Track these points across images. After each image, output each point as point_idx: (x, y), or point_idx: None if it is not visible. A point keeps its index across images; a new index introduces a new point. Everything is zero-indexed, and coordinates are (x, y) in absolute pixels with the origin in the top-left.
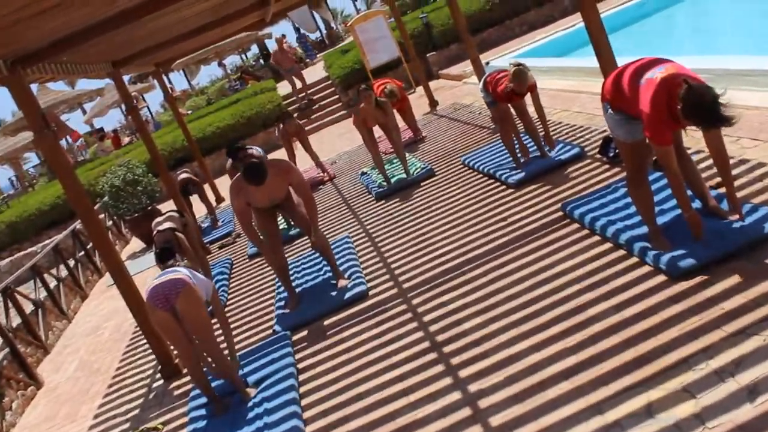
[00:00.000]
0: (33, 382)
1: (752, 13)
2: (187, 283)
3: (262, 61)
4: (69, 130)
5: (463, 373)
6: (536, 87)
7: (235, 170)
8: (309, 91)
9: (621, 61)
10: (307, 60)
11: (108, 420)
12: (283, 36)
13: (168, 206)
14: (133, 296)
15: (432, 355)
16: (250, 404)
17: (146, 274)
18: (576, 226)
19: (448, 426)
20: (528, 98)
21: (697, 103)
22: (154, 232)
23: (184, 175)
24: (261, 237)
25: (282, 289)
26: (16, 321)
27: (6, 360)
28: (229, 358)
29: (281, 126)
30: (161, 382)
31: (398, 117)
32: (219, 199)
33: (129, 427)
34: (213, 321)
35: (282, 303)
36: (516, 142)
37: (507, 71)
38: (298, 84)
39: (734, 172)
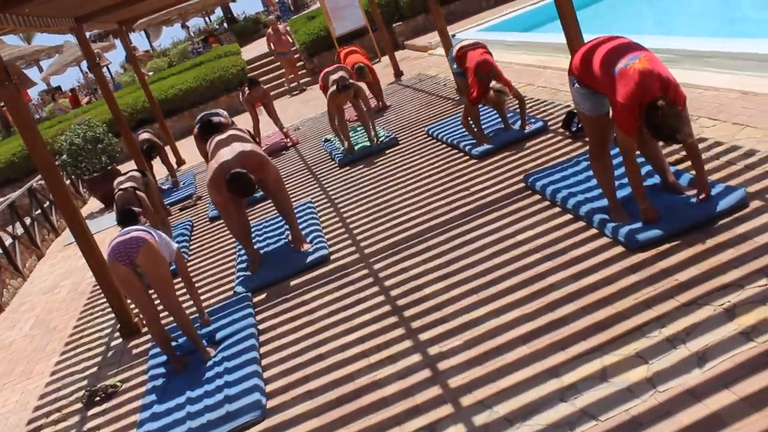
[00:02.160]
0: None
1: None
2: (148, 239)
3: (226, 24)
4: (31, 83)
5: (423, 336)
6: (511, 85)
7: (202, 138)
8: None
9: (587, 38)
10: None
11: (65, 377)
12: (277, 17)
13: (129, 167)
14: (94, 254)
15: (392, 319)
16: (210, 363)
17: (104, 234)
18: (537, 197)
19: (407, 387)
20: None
21: (660, 126)
22: (116, 192)
23: (145, 136)
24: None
25: (243, 251)
26: None
27: None
28: (198, 314)
29: (246, 91)
30: (120, 340)
31: (365, 86)
32: (180, 162)
33: (87, 384)
34: (177, 281)
35: (243, 265)
36: (474, 125)
37: (478, 44)
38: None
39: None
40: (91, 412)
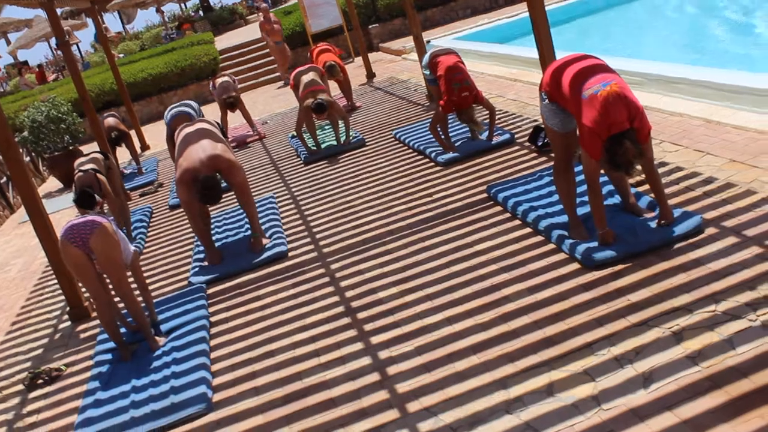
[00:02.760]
0: None
1: (690, 23)
2: (103, 224)
3: (201, 12)
4: None
5: (375, 339)
6: (485, 100)
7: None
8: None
9: (560, 55)
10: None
11: (9, 357)
12: (265, 6)
13: (91, 148)
14: (48, 234)
15: (345, 320)
16: (158, 353)
17: (61, 214)
18: (499, 208)
19: (356, 389)
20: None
21: (619, 161)
22: (76, 172)
23: (110, 120)
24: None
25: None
26: None
27: None
28: (147, 313)
29: (217, 82)
30: (68, 323)
31: (334, 85)
32: (144, 147)
33: (30, 366)
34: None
35: (200, 256)
36: (442, 133)
37: (451, 51)
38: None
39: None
40: (32, 395)
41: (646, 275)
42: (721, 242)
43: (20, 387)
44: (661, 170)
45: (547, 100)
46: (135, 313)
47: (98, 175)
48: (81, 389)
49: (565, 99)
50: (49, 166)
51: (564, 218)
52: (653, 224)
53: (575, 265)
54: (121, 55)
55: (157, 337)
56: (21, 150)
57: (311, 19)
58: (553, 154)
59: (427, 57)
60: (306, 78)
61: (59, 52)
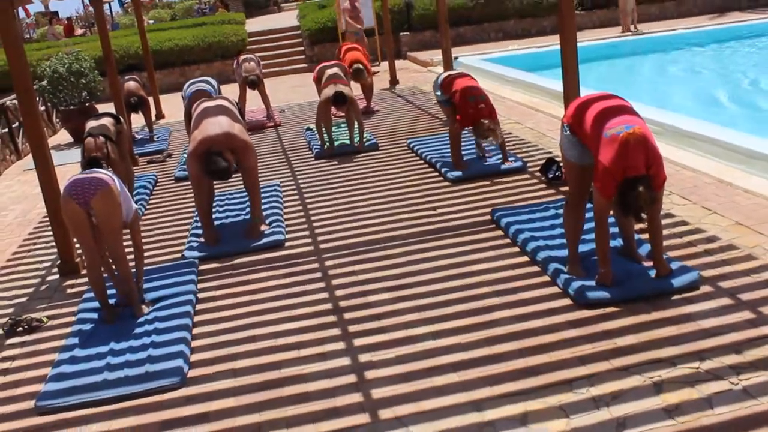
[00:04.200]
0: None
1: (716, 80)
2: (109, 185)
3: None
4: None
5: (358, 341)
6: (497, 122)
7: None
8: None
9: (583, 92)
10: None
11: None
12: None
13: (107, 108)
14: (50, 184)
15: (331, 318)
16: (141, 320)
17: (67, 168)
18: (500, 233)
19: (331, 387)
20: None
21: (629, 205)
22: (86, 134)
23: (131, 84)
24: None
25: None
26: None
27: None
28: (135, 277)
29: (240, 59)
30: (57, 276)
31: (356, 86)
32: (159, 115)
33: (12, 312)
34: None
35: (198, 231)
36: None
37: (462, 73)
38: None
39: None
40: (9, 341)
41: (635, 322)
42: (714, 301)
43: None
44: (666, 221)
45: (568, 132)
46: (125, 277)
47: (107, 142)
48: (58, 344)
49: (585, 134)
50: (63, 119)
51: (563, 252)
52: (651, 273)
53: (567, 301)
54: (151, 22)
55: (142, 305)
56: (37, 99)
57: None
58: (561, 188)
59: (439, 78)
60: (330, 71)
61: (91, 8)
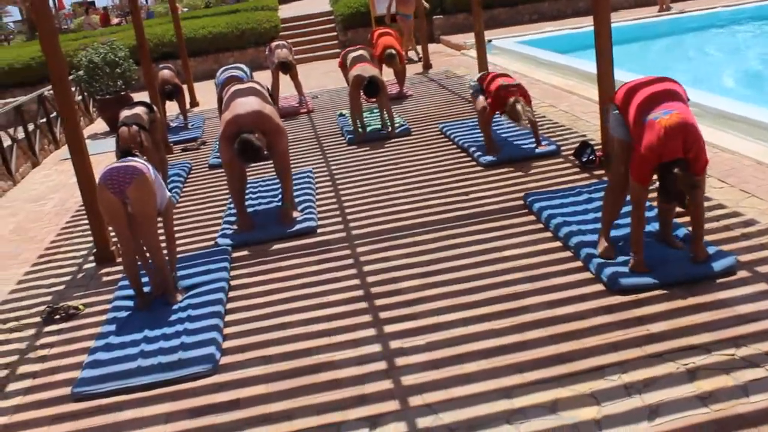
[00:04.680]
0: None
1: (755, 58)
2: (144, 174)
3: None
4: None
5: (388, 328)
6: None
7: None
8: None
9: (619, 73)
10: None
11: (31, 289)
12: None
13: (142, 97)
14: (86, 173)
15: (362, 305)
16: (174, 307)
17: (102, 157)
18: (532, 218)
19: (361, 374)
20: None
21: (668, 189)
22: (120, 124)
23: (166, 72)
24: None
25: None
26: None
27: None
28: (168, 265)
29: (272, 46)
30: (93, 264)
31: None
32: (194, 103)
33: (50, 300)
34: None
35: (231, 218)
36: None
37: (506, 76)
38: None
39: None
40: (47, 329)
41: (669, 308)
42: (751, 287)
43: (37, 319)
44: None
45: (616, 111)
46: (159, 266)
47: (141, 131)
48: (94, 331)
49: (629, 117)
50: (99, 108)
51: (595, 237)
52: (686, 258)
53: (599, 287)
54: (185, 9)
55: (176, 293)
56: (74, 88)
57: (378, 2)
58: (595, 172)
59: (480, 76)
60: (354, 54)
61: None
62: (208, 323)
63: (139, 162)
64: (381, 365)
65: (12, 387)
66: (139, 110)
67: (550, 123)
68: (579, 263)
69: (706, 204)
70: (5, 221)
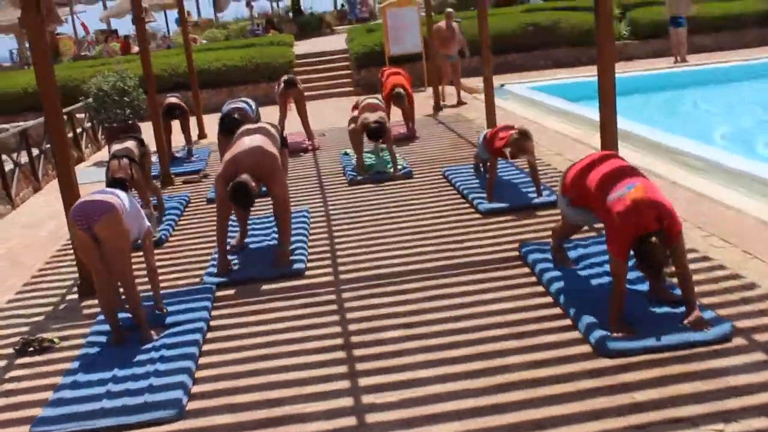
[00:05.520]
0: None
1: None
2: (114, 209)
3: (291, 14)
4: (59, 20)
5: (363, 381)
6: (534, 153)
7: (224, 137)
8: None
9: (629, 124)
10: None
11: (11, 318)
12: (451, 11)
13: (149, 127)
14: (73, 204)
15: (340, 354)
16: (149, 346)
17: (92, 187)
18: (527, 270)
19: (329, 429)
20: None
21: (648, 259)
22: (111, 157)
23: (172, 99)
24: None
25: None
26: None
27: None
28: (154, 302)
29: (282, 85)
30: (76, 296)
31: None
32: (201, 135)
33: (27, 331)
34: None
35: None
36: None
37: (511, 128)
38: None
39: (693, 266)
40: (19, 361)
41: (657, 374)
42: (747, 356)
43: (10, 351)
44: (702, 265)
45: (569, 205)
46: (133, 304)
47: (131, 164)
48: (66, 366)
49: (589, 202)
50: (107, 136)
51: (587, 295)
52: (680, 320)
53: (586, 348)
54: (204, 41)
55: (153, 330)
56: (84, 115)
57: (392, 41)
58: (596, 225)
59: (483, 135)
60: (368, 100)
61: (149, 27)
62: (179, 365)
63: (111, 196)
64: (350, 421)
65: None
66: (130, 144)
67: (554, 172)
68: (568, 321)
69: (706, 264)
70: None
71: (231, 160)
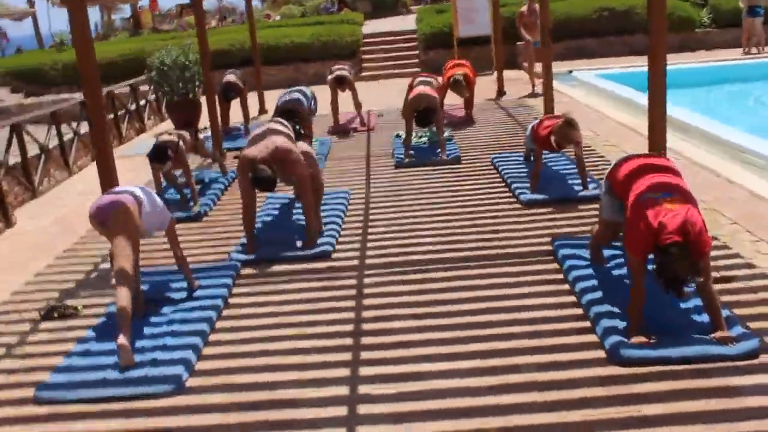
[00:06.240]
0: (4, 220)
1: None
2: (123, 205)
3: None
4: None
5: (363, 371)
6: (580, 143)
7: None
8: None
9: (682, 115)
10: None
11: (44, 283)
12: None
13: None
14: (109, 177)
15: (347, 341)
16: (164, 320)
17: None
18: (556, 266)
19: (316, 418)
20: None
21: (664, 268)
22: (158, 137)
23: (230, 77)
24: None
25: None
26: (15, 160)
27: None
28: (187, 283)
29: (332, 79)
30: (108, 266)
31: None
32: (262, 110)
33: (57, 297)
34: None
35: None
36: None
37: (559, 117)
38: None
39: (736, 272)
40: (43, 326)
41: (671, 388)
42: None
43: (36, 315)
44: (743, 272)
45: (608, 190)
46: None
47: (179, 144)
48: (83, 334)
49: (624, 193)
50: (168, 109)
51: (611, 296)
52: (704, 330)
53: (600, 353)
54: (278, 17)
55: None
56: (148, 88)
57: (462, 23)
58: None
59: (531, 126)
60: (420, 78)
61: (225, 1)
62: (187, 341)
63: (126, 195)
64: (341, 410)
65: None
66: (177, 133)
67: (605, 164)
68: (588, 323)
69: (748, 272)
70: (51, 211)
71: (245, 155)
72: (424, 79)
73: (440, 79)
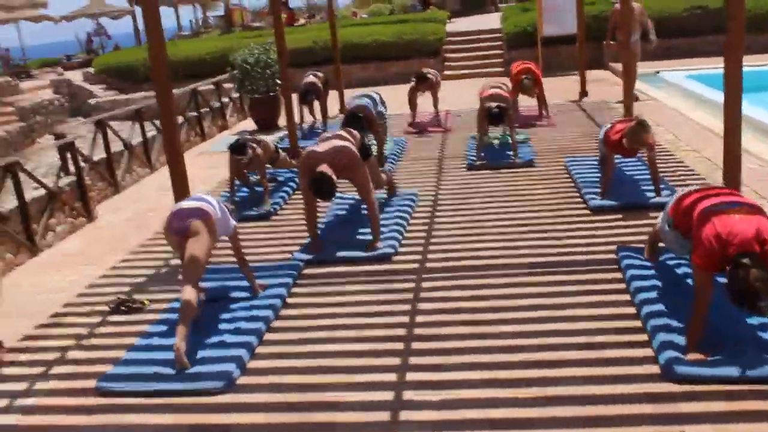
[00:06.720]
0: (86, 214)
1: None
2: (205, 213)
3: None
4: None
5: (410, 376)
6: (654, 146)
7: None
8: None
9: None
10: None
11: (117, 277)
12: None
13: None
14: (181, 177)
15: (397, 345)
16: (227, 317)
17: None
18: (619, 275)
19: (358, 422)
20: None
21: (738, 287)
22: (240, 137)
23: (311, 77)
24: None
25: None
26: (100, 155)
27: (70, 186)
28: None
29: (414, 82)
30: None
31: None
32: (342, 110)
33: (127, 291)
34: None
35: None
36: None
37: (631, 120)
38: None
39: None
40: (111, 319)
41: (723, 409)
42: None
43: (106, 308)
44: None
45: (670, 224)
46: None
47: (256, 151)
48: (147, 329)
49: (689, 222)
50: (250, 107)
51: (672, 310)
52: (759, 356)
53: (653, 368)
54: (365, 15)
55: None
56: (232, 85)
57: (546, 22)
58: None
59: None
60: (492, 82)
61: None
62: (242, 340)
63: (202, 203)
64: (383, 416)
65: (54, 371)
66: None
67: (684, 170)
68: (645, 336)
69: None
70: (130, 206)
71: (308, 155)
72: (495, 84)
73: (509, 83)
